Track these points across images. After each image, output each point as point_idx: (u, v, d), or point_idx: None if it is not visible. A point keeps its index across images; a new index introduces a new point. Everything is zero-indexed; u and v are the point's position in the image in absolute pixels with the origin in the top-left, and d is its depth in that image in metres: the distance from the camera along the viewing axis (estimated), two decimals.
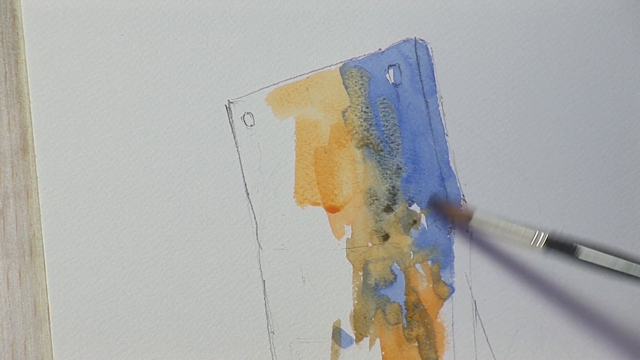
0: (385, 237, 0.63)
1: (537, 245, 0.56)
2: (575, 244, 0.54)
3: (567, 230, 0.64)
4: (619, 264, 0.51)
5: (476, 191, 0.64)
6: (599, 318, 0.64)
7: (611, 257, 0.52)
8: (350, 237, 0.62)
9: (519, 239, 0.58)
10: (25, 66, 0.61)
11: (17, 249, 0.60)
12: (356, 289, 0.62)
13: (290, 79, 0.63)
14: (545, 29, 0.66)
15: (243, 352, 0.60)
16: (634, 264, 0.50)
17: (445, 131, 0.64)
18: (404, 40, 0.64)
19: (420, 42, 0.64)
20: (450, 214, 0.62)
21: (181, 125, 0.62)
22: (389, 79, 0.64)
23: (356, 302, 0.62)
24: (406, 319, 0.62)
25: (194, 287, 0.60)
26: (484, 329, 0.63)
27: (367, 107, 0.63)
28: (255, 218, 0.62)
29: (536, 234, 0.56)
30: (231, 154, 0.62)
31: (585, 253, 0.53)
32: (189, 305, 0.60)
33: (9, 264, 0.60)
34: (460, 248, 0.63)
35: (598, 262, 0.53)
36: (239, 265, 0.61)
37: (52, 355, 0.59)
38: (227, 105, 0.62)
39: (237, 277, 0.61)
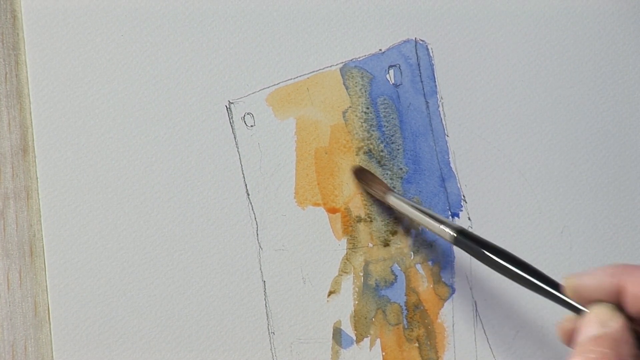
0: (386, 237, 0.63)
1: (447, 237, 0.56)
2: (485, 247, 0.54)
3: (568, 230, 0.64)
4: (531, 282, 0.52)
5: (476, 191, 0.64)
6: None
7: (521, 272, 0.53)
8: (350, 237, 0.62)
9: (430, 228, 0.58)
10: (26, 67, 0.61)
11: (18, 249, 0.60)
12: (356, 289, 0.62)
13: (291, 79, 0.63)
14: (546, 29, 0.66)
15: (243, 353, 0.60)
16: (547, 286, 0.52)
17: (446, 132, 0.64)
18: (405, 41, 0.64)
19: (421, 42, 0.64)
20: (370, 186, 0.62)
21: (181, 125, 0.62)
22: (389, 79, 0.64)
23: (356, 302, 0.62)
24: (407, 319, 0.62)
25: (194, 288, 0.60)
26: (484, 330, 0.63)
27: (368, 108, 0.63)
28: (255, 219, 0.62)
29: (442, 227, 0.57)
30: (231, 155, 0.62)
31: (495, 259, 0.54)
32: (190, 306, 0.60)
33: (9, 265, 0.60)
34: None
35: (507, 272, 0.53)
36: (240, 266, 0.61)
37: (52, 356, 0.59)
38: (228, 106, 0.62)
39: (238, 278, 0.61)
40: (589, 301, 0.49)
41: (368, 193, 0.62)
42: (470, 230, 0.63)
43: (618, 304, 0.48)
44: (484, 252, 0.54)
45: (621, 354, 0.46)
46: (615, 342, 0.46)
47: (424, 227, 0.60)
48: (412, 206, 0.59)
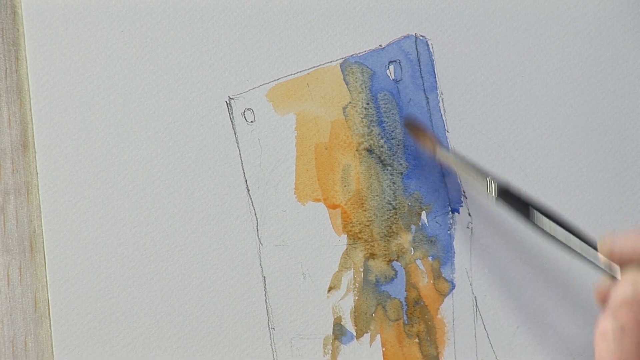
0: (386, 233, 0.63)
1: (492, 195, 0.57)
2: (528, 205, 0.55)
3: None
4: (569, 239, 0.52)
5: (476, 187, 0.64)
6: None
7: (561, 230, 0.53)
8: (350, 233, 0.62)
9: (477, 183, 0.58)
10: (26, 63, 0.61)
11: (18, 245, 0.60)
12: (357, 285, 0.62)
13: (291, 75, 0.63)
14: (546, 25, 0.66)
15: (244, 348, 0.60)
16: (584, 244, 0.51)
17: (446, 127, 0.64)
18: (405, 37, 0.64)
19: (421, 38, 0.64)
20: (421, 139, 0.62)
21: (182, 121, 0.62)
22: (389, 75, 0.64)
23: (357, 298, 0.62)
24: (407, 315, 0.62)
25: (195, 284, 0.60)
26: (484, 325, 0.63)
27: (368, 103, 0.63)
28: (255, 214, 0.62)
29: (489, 183, 0.57)
30: (232, 150, 0.62)
31: (538, 218, 0.54)
32: (190, 301, 0.60)
33: (9, 261, 0.60)
34: (461, 244, 0.63)
35: (547, 230, 0.53)
36: (240, 262, 0.61)
37: (52, 352, 0.59)
38: (228, 102, 0.62)
39: (238, 273, 0.61)
40: (626, 262, 0.49)
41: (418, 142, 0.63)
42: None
43: None
44: (525, 212, 0.54)
45: None
46: None
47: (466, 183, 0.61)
48: (460, 161, 0.60)
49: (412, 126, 0.63)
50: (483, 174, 0.58)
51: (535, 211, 0.54)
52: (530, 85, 0.65)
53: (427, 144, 0.62)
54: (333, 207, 0.62)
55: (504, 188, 0.57)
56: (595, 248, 0.51)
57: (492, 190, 0.57)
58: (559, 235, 0.53)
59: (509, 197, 0.56)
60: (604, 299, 0.51)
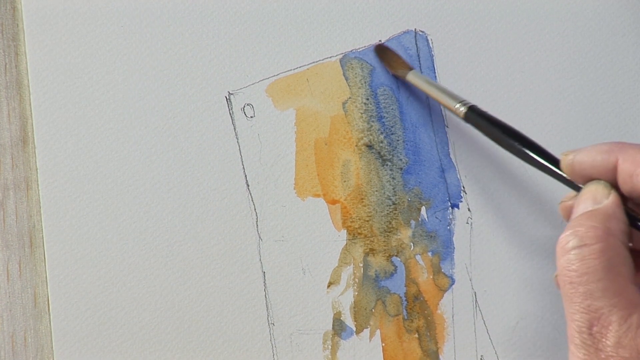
0: (386, 228, 0.63)
1: (460, 115, 0.58)
2: (496, 125, 0.56)
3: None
4: (534, 159, 0.54)
5: (476, 182, 0.64)
6: None
7: (525, 150, 0.54)
8: (350, 228, 0.62)
9: (445, 105, 0.59)
10: (25, 58, 0.61)
11: (17, 240, 0.60)
12: (356, 280, 0.62)
13: (291, 70, 0.63)
14: (546, 21, 0.66)
15: (243, 344, 0.60)
16: (547, 162, 0.53)
17: (445, 122, 0.64)
18: (404, 32, 0.64)
19: (421, 33, 0.64)
20: (391, 63, 0.63)
21: (181, 116, 0.62)
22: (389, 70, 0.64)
23: (356, 293, 0.62)
24: (406, 310, 0.62)
25: (195, 279, 0.60)
26: (484, 321, 0.63)
27: (368, 99, 0.63)
28: (255, 209, 0.62)
29: (456, 106, 0.58)
30: (231, 146, 0.62)
31: (504, 138, 0.55)
32: (189, 297, 0.60)
33: (9, 256, 0.60)
34: (461, 239, 0.63)
35: (512, 149, 0.55)
36: (239, 257, 0.61)
37: (52, 347, 0.59)
38: (227, 97, 0.62)
39: (238, 269, 0.61)
40: (588, 178, 0.50)
41: (388, 70, 0.63)
42: (469, 213, 0.63)
43: (614, 181, 0.49)
44: (491, 128, 0.56)
45: (610, 228, 0.47)
46: (605, 217, 0.47)
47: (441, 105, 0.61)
48: (429, 83, 0.60)
49: (382, 50, 0.63)
50: (453, 97, 0.59)
51: (501, 131, 0.55)
52: (530, 81, 0.65)
53: (398, 69, 0.62)
54: (333, 202, 0.62)
55: (473, 109, 0.57)
56: (558, 166, 0.52)
57: (461, 112, 0.58)
58: (525, 154, 0.54)
59: (477, 117, 0.57)
60: (568, 214, 0.52)
